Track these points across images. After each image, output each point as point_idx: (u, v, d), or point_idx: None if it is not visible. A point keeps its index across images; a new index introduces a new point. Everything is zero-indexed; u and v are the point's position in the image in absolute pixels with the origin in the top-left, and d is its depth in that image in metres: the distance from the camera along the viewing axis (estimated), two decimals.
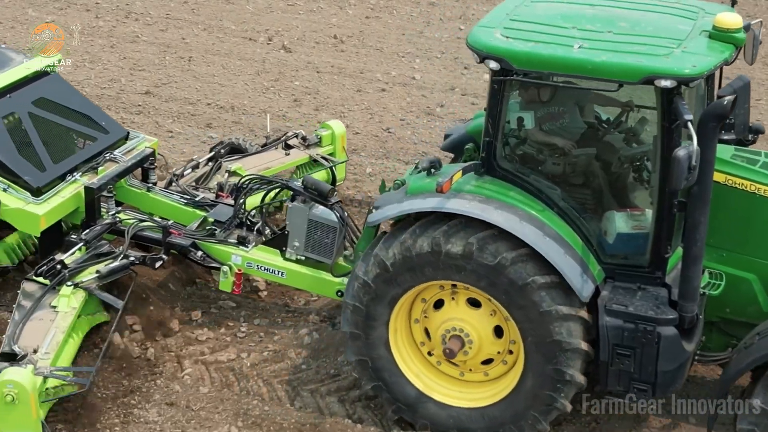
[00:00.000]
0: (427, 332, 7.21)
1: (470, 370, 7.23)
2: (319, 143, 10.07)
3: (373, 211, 7.10)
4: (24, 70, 8.95)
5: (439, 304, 7.09)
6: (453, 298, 7.01)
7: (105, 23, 15.60)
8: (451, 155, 8.39)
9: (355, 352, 7.18)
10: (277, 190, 8.51)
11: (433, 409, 7.20)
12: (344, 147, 10.23)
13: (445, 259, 6.63)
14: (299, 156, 9.90)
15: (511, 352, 7.07)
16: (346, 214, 8.12)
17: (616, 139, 7.32)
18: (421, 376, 7.24)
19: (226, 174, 9.36)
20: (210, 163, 9.54)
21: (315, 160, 9.94)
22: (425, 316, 7.14)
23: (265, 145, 10.02)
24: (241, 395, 7.79)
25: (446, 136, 8.32)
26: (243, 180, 8.60)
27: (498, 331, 7.02)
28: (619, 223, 6.78)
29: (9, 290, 8.71)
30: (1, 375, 6.65)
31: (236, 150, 9.95)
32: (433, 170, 6.95)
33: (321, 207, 8.16)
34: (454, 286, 6.92)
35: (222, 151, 9.70)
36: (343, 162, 10.14)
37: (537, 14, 6.95)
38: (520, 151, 7.08)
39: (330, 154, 10.08)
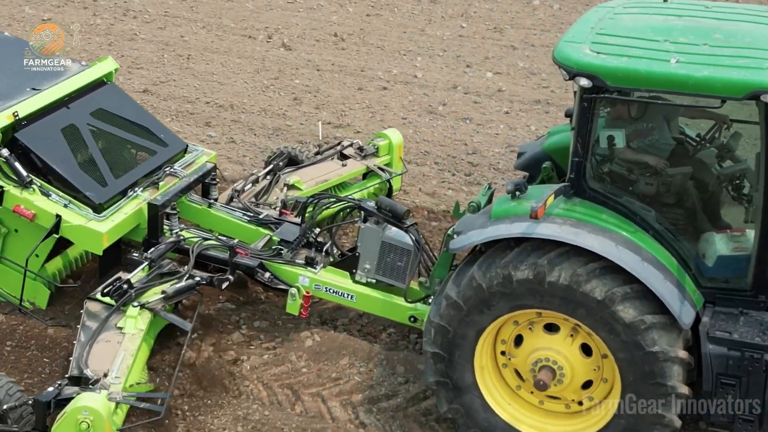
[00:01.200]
0: (518, 339, 6.84)
1: (531, 392, 6.94)
2: (375, 153, 9.82)
3: (455, 236, 6.82)
4: (81, 79, 8.69)
5: (551, 328, 6.75)
6: (572, 335, 6.67)
7: (103, 21, 15.53)
8: (525, 174, 8.08)
9: (444, 319, 6.72)
10: (347, 210, 8.23)
11: (475, 404, 6.88)
12: (401, 157, 9.98)
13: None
14: (356, 167, 9.65)
15: (581, 403, 6.83)
16: (421, 237, 7.84)
17: (708, 155, 7.04)
18: (483, 369, 6.88)
19: (285, 188, 9.12)
20: (268, 177, 9.28)
21: (372, 171, 9.67)
22: (530, 328, 6.78)
23: (317, 154, 9.77)
24: (240, 399, 7.51)
25: (519, 154, 8.01)
26: (311, 198, 8.32)
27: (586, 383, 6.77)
28: (719, 244, 6.49)
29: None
30: (76, 401, 6.36)
31: (292, 161, 9.70)
32: (518, 193, 6.65)
33: (395, 229, 7.89)
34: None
35: (280, 163, 9.43)
36: (401, 173, 9.87)
37: (624, 27, 6.65)
38: (611, 171, 6.77)
39: (387, 165, 9.82)
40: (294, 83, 13.42)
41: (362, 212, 8.00)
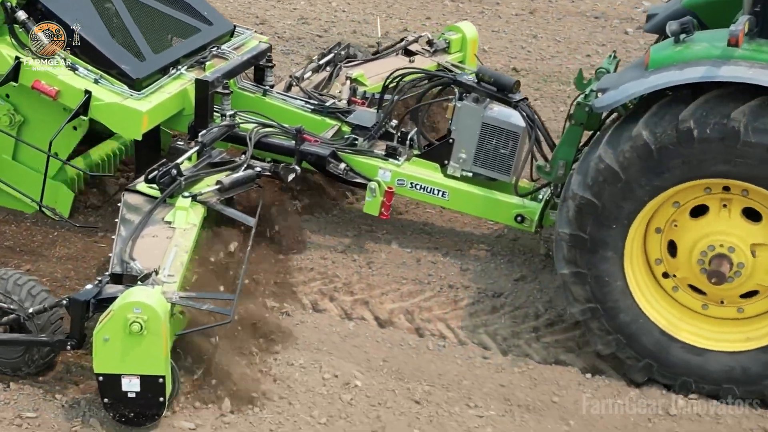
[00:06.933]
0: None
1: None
2: (447, 49, 8.43)
3: (599, 95, 5.44)
4: None
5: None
6: None
7: None
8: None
9: (592, 191, 5.37)
10: (439, 88, 6.87)
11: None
12: (476, 54, 8.61)
13: None
14: (425, 63, 8.26)
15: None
16: (535, 114, 6.46)
17: None
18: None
19: (348, 81, 7.76)
20: (328, 68, 7.90)
21: (444, 68, 8.30)
22: (724, 205, 5.43)
23: (377, 52, 8.41)
24: None
25: (649, 17, 6.64)
26: (394, 75, 6.94)
27: None
28: None
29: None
30: (125, 296, 4.95)
31: (350, 57, 8.34)
32: (684, 35, 5.29)
33: (499, 106, 6.53)
34: None
35: (342, 53, 8.05)
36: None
37: None
38: None
39: (460, 62, 8.44)
40: None
41: (458, 89, 6.63)
